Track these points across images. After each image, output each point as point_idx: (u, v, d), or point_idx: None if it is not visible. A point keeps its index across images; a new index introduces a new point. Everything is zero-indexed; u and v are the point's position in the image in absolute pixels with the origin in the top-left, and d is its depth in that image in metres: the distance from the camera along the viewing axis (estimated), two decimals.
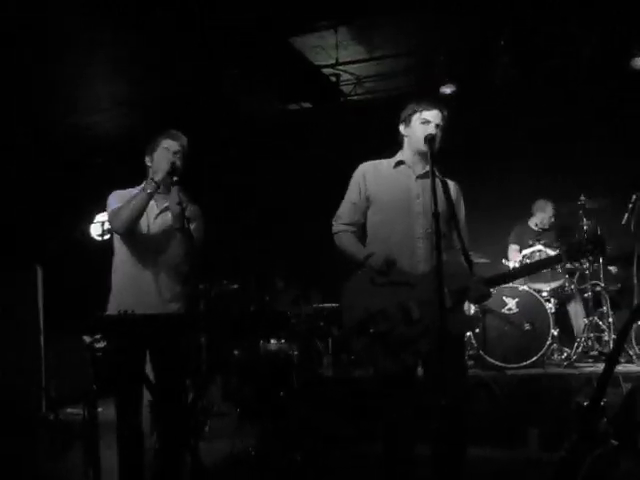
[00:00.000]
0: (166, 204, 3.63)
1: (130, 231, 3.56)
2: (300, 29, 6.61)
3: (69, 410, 6.46)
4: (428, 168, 3.36)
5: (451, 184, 3.51)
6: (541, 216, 6.84)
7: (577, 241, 3.39)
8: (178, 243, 3.58)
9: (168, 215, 3.63)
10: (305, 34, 6.70)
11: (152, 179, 3.52)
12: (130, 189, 3.70)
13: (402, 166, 3.50)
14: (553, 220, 6.84)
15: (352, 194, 3.52)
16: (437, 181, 3.24)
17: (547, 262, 4.58)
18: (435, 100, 3.47)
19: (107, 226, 7.44)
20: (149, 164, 3.68)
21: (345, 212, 3.53)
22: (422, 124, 3.39)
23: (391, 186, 3.45)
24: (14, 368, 6.28)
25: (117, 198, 3.64)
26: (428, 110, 3.40)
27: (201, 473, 4.07)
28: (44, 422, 6.03)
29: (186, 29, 5.94)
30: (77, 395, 6.28)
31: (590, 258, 3.30)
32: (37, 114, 7.64)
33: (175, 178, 3.54)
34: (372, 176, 3.49)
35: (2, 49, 6.00)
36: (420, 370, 3.49)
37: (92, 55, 6.51)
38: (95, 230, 8.72)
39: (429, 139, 3.30)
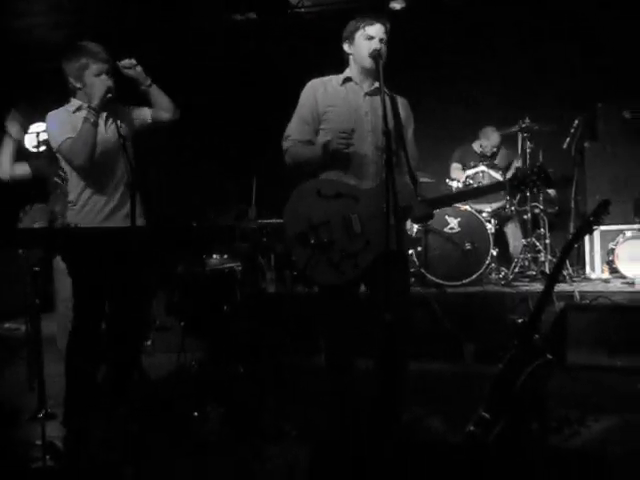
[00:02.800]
0: (105, 114, 3.66)
1: (91, 161, 3.53)
2: None
3: (7, 325, 6.38)
4: (376, 85, 3.35)
5: (400, 100, 3.47)
6: (486, 142, 6.91)
7: (522, 172, 3.42)
8: (121, 158, 3.62)
9: (111, 127, 3.64)
10: None
11: (91, 108, 3.50)
12: (65, 108, 3.67)
13: (350, 83, 3.44)
14: (495, 150, 6.92)
15: (302, 111, 3.44)
16: (386, 98, 3.20)
17: (490, 188, 4.60)
18: (377, 14, 3.38)
19: (42, 137, 7.14)
20: (78, 86, 3.63)
21: (295, 130, 3.45)
22: (366, 40, 3.33)
23: (340, 104, 3.40)
24: None
25: (58, 124, 3.60)
26: (371, 25, 3.33)
27: (145, 385, 4.11)
28: None
29: None
30: (13, 310, 6.20)
31: (532, 186, 3.36)
32: None
33: (109, 95, 3.56)
34: (321, 94, 3.42)
35: None
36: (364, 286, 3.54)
37: None
38: (30, 141, 8.38)
39: (375, 55, 3.25)
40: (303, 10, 7.75)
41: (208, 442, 3.56)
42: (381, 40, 3.32)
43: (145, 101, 3.88)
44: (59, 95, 3.78)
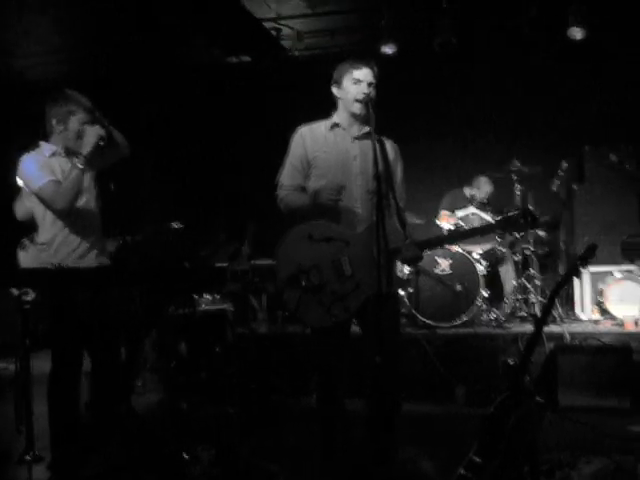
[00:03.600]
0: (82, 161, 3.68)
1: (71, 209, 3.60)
2: None
3: None
4: (364, 129, 3.40)
5: (388, 144, 3.51)
6: (477, 192, 6.96)
7: (512, 215, 3.46)
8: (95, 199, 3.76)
9: (88, 174, 3.73)
10: None
11: (83, 155, 3.57)
12: (38, 151, 3.69)
13: (337, 128, 3.48)
14: (486, 200, 6.98)
15: (292, 158, 3.48)
16: (374, 142, 3.25)
17: (480, 230, 4.60)
18: (365, 58, 3.42)
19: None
20: (60, 129, 3.67)
21: (287, 177, 3.49)
22: (354, 84, 3.37)
23: (329, 149, 3.43)
24: None
25: (37, 166, 3.61)
26: (359, 69, 3.37)
27: (134, 425, 4.08)
28: None
29: None
30: (5, 348, 6.14)
31: (522, 233, 3.41)
32: None
33: (102, 143, 3.64)
34: (310, 140, 3.46)
35: None
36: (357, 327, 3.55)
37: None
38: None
39: (363, 100, 3.30)
40: (297, 54, 7.88)
41: None
42: (370, 84, 3.37)
43: None
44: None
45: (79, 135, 3.63)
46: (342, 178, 3.38)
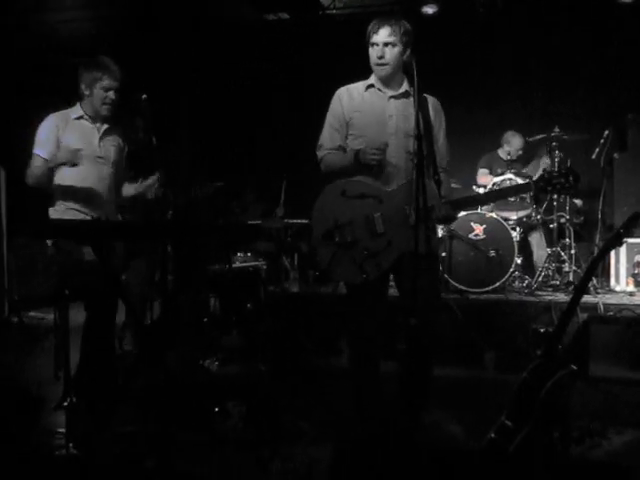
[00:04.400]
0: (105, 127, 3.89)
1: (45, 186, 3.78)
2: None
3: (32, 314, 6.45)
4: (402, 88, 3.40)
5: (431, 100, 3.48)
6: (509, 148, 6.85)
7: (549, 173, 3.39)
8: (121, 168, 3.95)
9: (110, 139, 3.92)
10: None
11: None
12: (65, 112, 3.85)
13: (372, 89, 3.48)
14: (521, 153, 6.86)
15: (331, 120, 3.52)
16: (411, 100, 3.25)
17: (514, 190, 4.53)
18: (384, 17, 3.37)
19: None
20: (86, 93, 3.82)
21: (327, 139, 3.52)
22: (371, 47, 3.37)
23: (365, 109, 3.44)
24: None
25: (45, 135, 3.78)
26: (374, 31, 3.35)
27: (167, 382, 4.14)
28: (8, 325, 6.01)
29: None
30: (41, 298, 6.27)
31: (559, 188, 3.30)
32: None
33: (106, 108, 3.80)
34: (347, 100, 3.47)
35: None
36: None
37: None
38: None
39: (375, 63, 3.34)
40: (335, 12, 7.77)
41: (229, 439, 3.58)
42: (386, 44, 3.32)
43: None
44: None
45: (103, 101, 3.77)
46: (378, 137, 3.36)
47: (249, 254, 5.44)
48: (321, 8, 7.72)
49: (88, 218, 3.69)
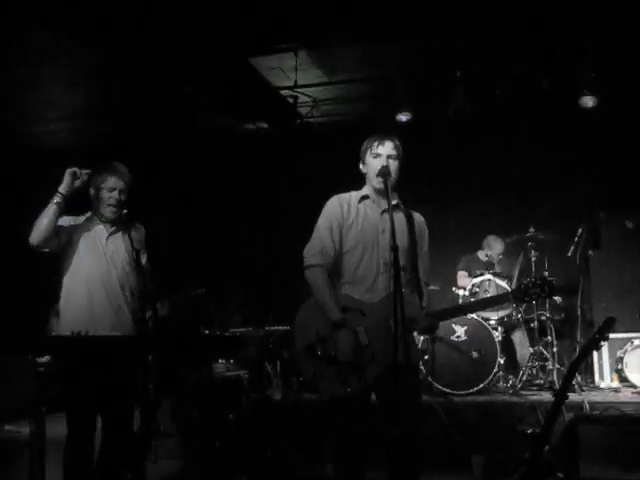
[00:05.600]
0: (112, 229, 3.85)
1: (44, 244, 3.67)
2: (260, 50, 6.63)
3: (8, 427, 6.26)
4: (393, 202, 3.42)
5: (416, 216, 3.56)
6: (490, 252, 6.96)
7: (525, 284, 3.47)
8: (131, 274, 3.79)
9: (118, 239, 3.85)
10: (265, 55, 6.73)
11: (58, 191, 3.67)
12: (78, 217, 3.87)
13: (367, 201, 3.53)
14: (501, 257, 6.97)
15: (329, 223, 3.47)
16: (401, 215, 3.35)
17: (494, 300, 4.57)
18: (385, 132, 3.51)
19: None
20: (94, 197, 3.85)
21: (321, 241, 3.46)
22: (374, 158, 3.44)
23: (359, 221, 3.47)
24: None
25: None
26: (378, 143, 3.44)
27: None
28: None
29: (143, 45, 5.88)
30: (17, 411, 6.10)
31: (535, 298, 3.44)
32: None
33: (125, 211, 3.78)
34: (346, 207, 3.49)
35: None
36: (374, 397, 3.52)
37: (44, 65, 6.42)
38: None
39: (382, 172, 3.35)
40: (312, 120, 8.02)
41: None
42: (389, 156, 3.43)
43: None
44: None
45: (108, 202, 3.79)
46: (370, 252, 3.41)
47: (231, 361, 5.39)
48: (299, 117, 7.96)
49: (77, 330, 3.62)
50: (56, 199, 3.66)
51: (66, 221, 3.80)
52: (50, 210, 3.65)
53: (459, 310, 3.68)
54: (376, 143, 3.45)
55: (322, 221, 3.51)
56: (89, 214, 3.90)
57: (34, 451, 4.03)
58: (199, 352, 4.07)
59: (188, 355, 4.34)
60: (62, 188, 3.69)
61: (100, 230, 3.83)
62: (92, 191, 3.84)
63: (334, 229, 3.46)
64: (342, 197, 3.54)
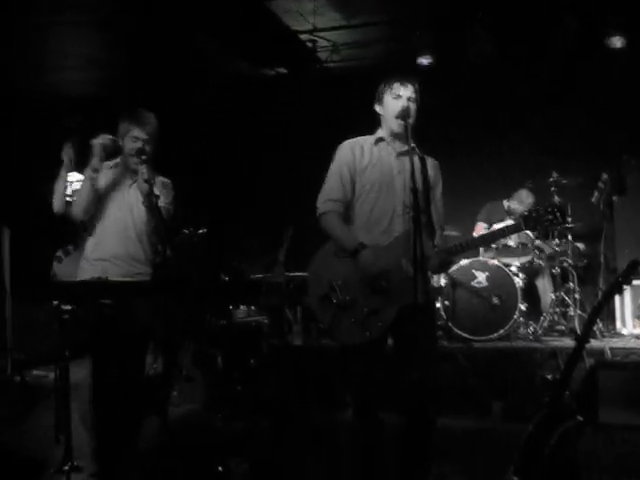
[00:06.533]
0: (136, 177, 3.77)
1: (87, 216, 3.72)
2: None
3: (35, 372, 6.41)
4: (406, 146, 3.35)
5: (430, 161, 3.50)
6: (517, 205, 6.83)
7: (535, 209, 3.42)
8: (148, 217, 3.73)
9: (139, 186, 3.77)
10: None
11: (91, 165, 3.68)
12: (106, 163, 3.85)
13: (382, 143, 3.47)
14: (526, 213, 6.83)
15: (340, 169, 3.44)
16: (415, 158, 3.24)
17: (505, 230, 4.50)
18: (406, 74, 3.43)
19: (75, 187, 7.36)
20: (121, 144, 3.82)
21: (333, 189, 3.43)
22: (394, 99, 3.37)
23: (373, 163, 3.43)
24: None
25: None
26: (398, 85, 3.38)
27: (169, 437, 4.10)
28: (10, 384, 5.97)
29: None
30: (42, 357, 6.24)
31: (547, 225, 3.36)
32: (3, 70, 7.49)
33: (144, 157, 3.72)
34: (359, 153, 3.44)
35: None
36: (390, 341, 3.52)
37: (61, 13, 6.35)
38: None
39: (402, 115, 3.29)
40: (332, 65, 7.90)
41: None
42: (409, 99, 3.36)
43: None
44: None
45: (131, 152, 3.75)
46: (385, 194, 3.37)
47: (252, 307, 5.42)
48: (318, 62, 7.83)
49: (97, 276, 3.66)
50: (90, 174, 3.67)
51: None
52: (86, 187, 3.67)
53: (469, 244, 3.59)
54: (397, 84, 3.37)
55: (333, 168, 3.48)
56: (117, 160, 3.88)
57: (59, 395, 4.14)
58: (220, 296, 4.12)
59: (209, 299, 4.39)
60: (95, 162, 3.70)
61: (123, 179, 3.83)
62: (119, 139, 3.82)
63: (344, 175, 3.42)
64: (353, 142, 3.49)
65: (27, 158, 7.75)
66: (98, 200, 3.74)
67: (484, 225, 6.87)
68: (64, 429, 3.93)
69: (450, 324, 5.94)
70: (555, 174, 6.36)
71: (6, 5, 6.01)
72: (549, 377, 4.94)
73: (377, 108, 3.49)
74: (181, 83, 8.03)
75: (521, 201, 6.86)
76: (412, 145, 3.30)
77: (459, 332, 5.91)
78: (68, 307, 4.12)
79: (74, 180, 7.78)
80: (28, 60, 7.43)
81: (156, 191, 3.69)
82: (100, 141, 3.73)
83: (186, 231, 5.21)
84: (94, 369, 3.68)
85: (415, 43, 7.07)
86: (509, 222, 6.37)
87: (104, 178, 3.79)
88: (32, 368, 6.46)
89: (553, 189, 6.37)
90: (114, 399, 3.66)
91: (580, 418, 2.93)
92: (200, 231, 5.39)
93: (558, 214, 3.33)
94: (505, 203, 6.99)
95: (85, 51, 7.48)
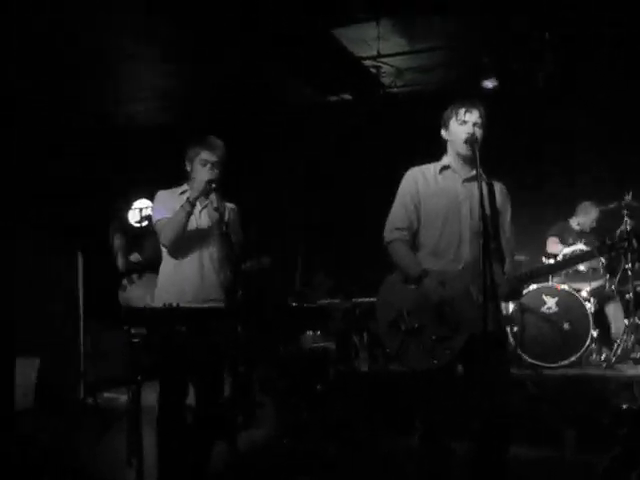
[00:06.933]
0: (206, 202, 3.87)
1: (176, 245, 3.77)
2: (342, 21, 6.58)
3: (107, 395, 6.57)
4: (474, 172, 3.34)
5: (497, 186, 3.49)
6: (583, 218, 6.73)
7: (610, 236, 3.35)
8: (219, 243, 3.82)
9: (210, 212, 3.88)
10: (347, 26, 6.67)
11: (188, 199, 3.72)
12: (174, 189, 3.94)
13: (447, 171, 3.48)
14: (594, 225, 6.73)
15: (404, 199, 3.47)
16: (482, 184, 3.24)
17: (578, 258, 4.41)
18: (471, 99, 3.43)
19: (145, 213, 7.57)
20: (188, 169, 3.90)
21: (398, 218, 3.48)
22: (460, 125, 3.38)
23: (439, 191, 3.44)
24: (53, 353, 6.39)
25: (160, 203, 3.89)
26: (464, 110, 3.38)
27: (237, 462, 4.14)
28: (83, 407, 6.13)
29: (231, 20, 5.97)
30: (114, 380, 6.40)
31: (623, 252, 3.25)
32: (81, 100, 7.79)
33: (214, 185, 3.76)
34: (422, 183, 3.46)
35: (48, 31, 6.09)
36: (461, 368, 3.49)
37: (137, 45, 6.59)
38: (133, 216, 8.79)
39: (469, 140, 3.29)
40: (396, 90, 7.93)
41: None
42: (475, 124, 3.36)
43: None
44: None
45: (201, 176, 3.78)
46: (451, 221, 3.38)
47: (318, 333, 5.45)
48: (382, 87, 7.88)
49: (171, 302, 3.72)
50: (187, 208, 3.71)
51: (166, 199, 3.88)
52: (184, 219, 3.71)
53: (540, 272, 3.53)
54: (463, 110, 3.38)
55: (398, 196, 3.51)
56: (185, 186, 3.92)
57: (131, 418, 4.23)
58: (288, 323, 4.15)
59: (277, 326, 4.43)
60: (193, 196, 3.75)
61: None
62: (187, 164, 3.89)
63: (408, 204, 3.45)
64: (417, 170, 3.51)
65: (100, 185, 8.04)
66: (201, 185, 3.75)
67: (556, 239, 6.72)
68: (136, 452, 4.01)
69: (519, 350, 5.83)
70: (628, 196, 6.20)
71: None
72: (624, 407, 4.78)
73: (443, 134, 3.50)
74: (248, 111, 8.22)
75: (586, 213, 6.73)
76: (479, 171, 3.29)
77: (528, 359, 5.80)
78: (139, 331, 4.24)
79: (143, 207, 8.01)
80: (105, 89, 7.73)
81: (225, 218, 3.77)
82: (207, 177, 3.76)
83: (253, 258, 5.30)
84: (161, 394, 3.75)
85: (480, 67, 7.04)
86: (580, 246, 6.24)
87: (177, 205, 3.80)
88: (104, 390, 6.62)
89: (625, 212, 6.20)
90: (179, 424, 3.74)
91: None
92: (266, 258, 5.47)
93: (634, 240, 3.26)
94: (572, 222, 6.84)
95: (156, 82, 7.73)
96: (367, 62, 7.41)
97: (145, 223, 7.17)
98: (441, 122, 3.49)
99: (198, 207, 3.87)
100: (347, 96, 8.04)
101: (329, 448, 4.60)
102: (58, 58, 6.65)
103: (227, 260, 3.84)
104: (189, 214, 3.74)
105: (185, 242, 3.80)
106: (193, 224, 3.84)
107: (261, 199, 7.90)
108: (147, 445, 4.00)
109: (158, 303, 3.75)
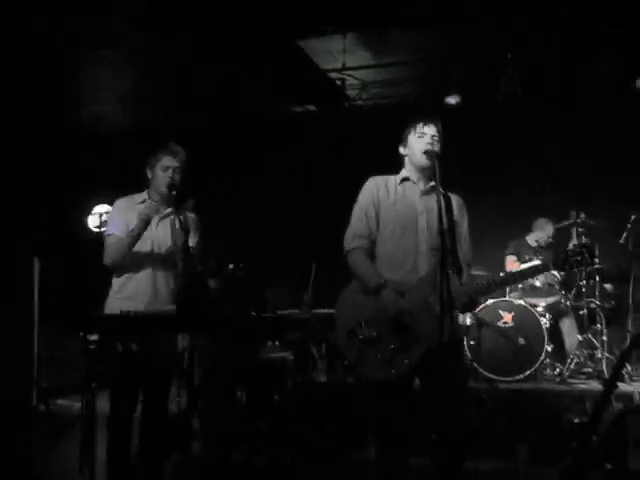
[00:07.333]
0: (167, 211, 3.84)
1: (118, 266, 3.76)
2: (309, 33, 6.62)
3: (61, 402, 6.45)
4: (431, 184, 3.42)
5: (454, 198, 3.54)
6: (540, 234, 6.87)
7: (564, 250, 3.41)
8: (177, 256, 3.76)
9: (167, 222, 3.85)
10: (313, 38, 6.71)
11: (142, 219, 3.66)
12: (134, 197, 3.88)
13: (407, 182, 3.52)
14: (551, 240, 6.85)
15: (365, 207, 3.49)
16: (440, 197, 3.27)
17: (532, 271, 4.45)
18: (429, 114, 3.49)
19: (105, 218, 7.45)
20: (149, 176, 3.86)
21: (358, 226, 3.49)
22: (419, 138, 3.43)
23: (398, 202, 3.47)
24: (5, 359, 6.24)
25: (117, 214, 3.83)
26: (422, 124, 3.44)
27: (192, 473, 4.10)
28: (35, 413, 6.00)
29: (197, 29, 5.96)
30: (68, 387, 6.28)
31: (576, 267, 3.32)
32: (39, 103, 7.68)
33: (174, 192, 3.76)
34: (383, 191, 3.50)
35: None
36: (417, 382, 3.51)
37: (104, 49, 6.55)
38: (92, 221, 8.68)
39: (428, 151, 3.34)
40: (361, 103, 7.99)
41: None
42: (433, 136, 3.41)
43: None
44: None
45: (162, 181, 3.76)
46: (408, 233, 3.41)
47: (276, 343, 5.43)
48: (347, 100, 7.93)
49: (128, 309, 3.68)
50: (137, 230, 3.66)
51: (122, 210, 3.81)
52: (134, 239, 3.67)
53: (495, 284, 3.59)
54: (421, 124, 3.44)
55: (359, 204, 3.53)
56: (144, 194, 3.88)
57: (85, 425, 4.15)
58: (246, 334, 4.13)
59: (238, 336, 4.40)
60: (156, 195, 3.78)
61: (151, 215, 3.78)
62: (147, 171, 3.85)
63: (369, 211, 3.47)
64: (378, 179, 3.55)
65: (59, 189, 7.92)
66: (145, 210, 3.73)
67: (514, 258, 6.83)
68: (88, 461, 3.94)
69: (475, 364, 5.89)
70: (583, 215, 6.34)
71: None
72: (576, 421, 4.86)
73: (401, 150, 3.54)
74: (212, 117, 8.19)
75: (542, 228, 6.86)
76: (435, 184, 3.32)
77: (484, 372, 5.86)
78: (94, 337, 4.16)
79: (103, 212, 7.89)
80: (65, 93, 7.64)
81: (186, 227, 3.74)
82: (169, 183, 3.74)
83: (231, 266, 5.25)
84: (111, 402, 3.71)
85: (443, 83, 7.14)
86: (537, 262, 6.33)
87: (135, 215, 3.74)
88: (59, 397, 6.49)
89: (580, 230, 6.34)
90: (129, 433, 3.69)
91: (608, 466, 2.88)
92: (241, 265, 5.43)
93: (587, 254, 3.33)
94: (529, 239, 6.97)
95: (120, 85, 7.66)
96: (332, 74, 7.46)
97: (105, 229, 7.08)
98: (401, 139, 3.53)
99: (155, 219, 3.81)
100: (311, 107, 8.08)
101: (286, 459, 4.57)
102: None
103: (184, 271, 3.79)
104: (139, 236, 3.68)
105: (136, 256, 3.75)
106: (148, 237, 3.77)
107: (221, 205, 7.88)
108: (101, 454, 3.95)
109: (112, 312, 3.70)
